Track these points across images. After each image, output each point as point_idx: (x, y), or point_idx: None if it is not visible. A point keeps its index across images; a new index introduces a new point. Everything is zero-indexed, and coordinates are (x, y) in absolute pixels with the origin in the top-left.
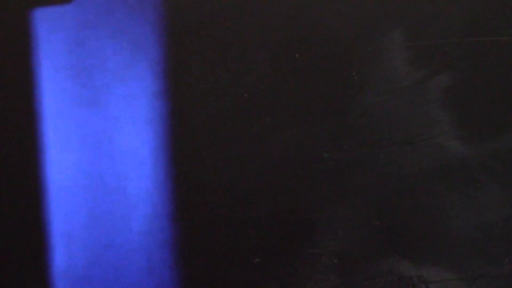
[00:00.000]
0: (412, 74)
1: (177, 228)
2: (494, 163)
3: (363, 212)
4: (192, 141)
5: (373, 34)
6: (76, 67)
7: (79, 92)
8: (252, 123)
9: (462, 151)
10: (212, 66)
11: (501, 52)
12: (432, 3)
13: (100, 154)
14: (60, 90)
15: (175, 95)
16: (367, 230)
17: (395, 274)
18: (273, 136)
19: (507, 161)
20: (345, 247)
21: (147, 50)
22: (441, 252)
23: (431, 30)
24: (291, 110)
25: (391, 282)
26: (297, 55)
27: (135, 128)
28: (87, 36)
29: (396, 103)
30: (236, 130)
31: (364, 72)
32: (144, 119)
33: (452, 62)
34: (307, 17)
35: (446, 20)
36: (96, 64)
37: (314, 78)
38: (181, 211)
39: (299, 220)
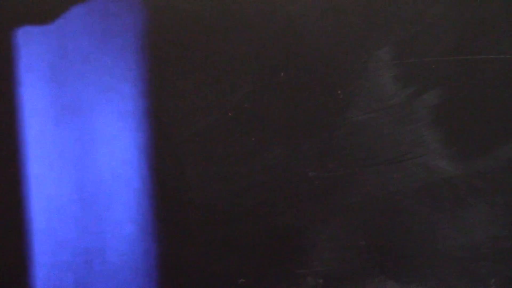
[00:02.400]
0: (398, 92)
1: (161, 248)
2: (480, 182)
3: (348, 231)
4: (176, 160)
5: (359, 52)
6: (58, 84)
7: (61, 109)
8: (236, 142)
9: (448, 170)
10: (196, 85)
11: (487, 70)
12: (419, 21)
13: (82, 173)
14: (42, 106)
15: (158, 114)
16: (353, 250)
17: None
18: (257, 155)
19: (493, 180)
20: (330, 267)
21: (130, 68)
22: (427, 272)
23: (417, 48)
24: (276, 129)
25: None
26: (282, 74)
27: (118, 146)
28: (69, 54)
29: (382, 122)
30: (220, 149)
31: (350, 90)
32: (127, 137)
33: (438, 81)
34: (292, 35)
35: (433, 38)
36: (78, 81)
37: (299, 96)
38: (164, 230)
39: (284, 240)
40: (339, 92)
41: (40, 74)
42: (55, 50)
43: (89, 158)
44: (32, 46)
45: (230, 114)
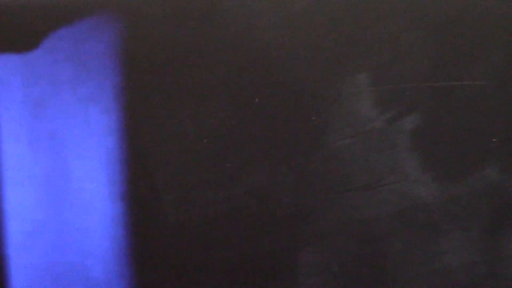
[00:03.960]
0: (374, 118)
1: (135, 274)
2: (455, 208)
3: (323, 257)
4: (151, 186)
5: (334, 77)
6: (33, 111)
7: (36, 133)
8: (211, 168)
9: (423, 196)
10: (170, 111)
11: (463, 96)
12: (394, 47)
13: (55, 198)
14: (17, 132)
15: (133, 140)
16: (327, 276)
17: None
18: (232, 181)
19: (468, 206)
20: None
21: (104, 94)
22: None
23: (392, 74)
24: (251, 155)
25: None
26: (256, 100)
27: (91, 172)
28: (44, 82)
29: (357, 148)
30: (195, 175)
31: (325, 116)
32: (100, 164)
33: (414, 107)
34: (267, 61)
35: (408, 64)
36: (53, 108)
37: (274, 122)
38: (139, 255)
39: (257, 266)
40: (313, 118)
41: (15, 100)
42: (30, 76)
43: (62, 183)
44: (8, 72)
45: (205, 140)
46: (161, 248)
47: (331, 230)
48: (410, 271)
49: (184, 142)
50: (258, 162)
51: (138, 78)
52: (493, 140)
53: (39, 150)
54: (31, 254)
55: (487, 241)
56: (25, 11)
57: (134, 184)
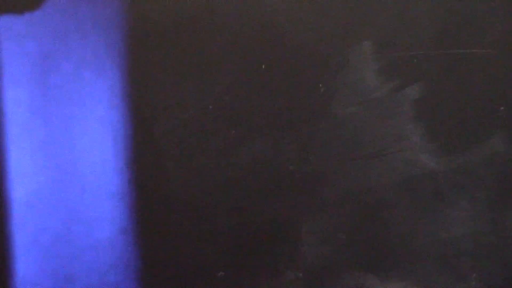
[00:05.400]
0: (380, 86)
1: (140, 242)
2: (462, 177)
3: (329, 225)
4: (156, 153)
5: (341, 45)
6: (39, 78)
7: (40, 101)
8: (217, 135)
9: (429, 165)
10: (176, 78)
11: (470, 64)
12: (401, 14)
13: (59, 166)
14: (21, 102)
15: (138, 107)
16: (333, 244)
17: None
18: (238, 148)
19: (475, 176)
20: (310, 261)
21: (110, 61)
22: (407, 267)
23: (400, 41)
24: (257, 122)
25: None
26: (263, 67)
27: (98, 139)
28: (51, 49)
29: (364, 116)
30: (201, 142)
31: (332, 84)
32: (106, 131)
33: (421, 75)
34: (274, 28)
35: (415, 32)
36: (57, 75)
37: (280, 90)
38: (144, 223)
39: (263, 234)
40: (320, 85)
41: (20, 66)
42: (36, 41)
43: (67, 151)
44: (14, 35)
45: (211, 107)
46: (165, 215)
47: (337, 198)
48: (416, 240)
49: (189, 109)
50: (263, 130)
51: (143, 45)
52: (501, 108)
53: (43, 116)
54: (35, 216)
55: (493, 210)
56: None
57: (139, 150)
